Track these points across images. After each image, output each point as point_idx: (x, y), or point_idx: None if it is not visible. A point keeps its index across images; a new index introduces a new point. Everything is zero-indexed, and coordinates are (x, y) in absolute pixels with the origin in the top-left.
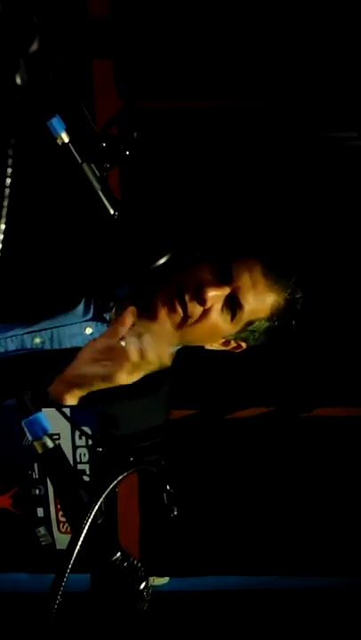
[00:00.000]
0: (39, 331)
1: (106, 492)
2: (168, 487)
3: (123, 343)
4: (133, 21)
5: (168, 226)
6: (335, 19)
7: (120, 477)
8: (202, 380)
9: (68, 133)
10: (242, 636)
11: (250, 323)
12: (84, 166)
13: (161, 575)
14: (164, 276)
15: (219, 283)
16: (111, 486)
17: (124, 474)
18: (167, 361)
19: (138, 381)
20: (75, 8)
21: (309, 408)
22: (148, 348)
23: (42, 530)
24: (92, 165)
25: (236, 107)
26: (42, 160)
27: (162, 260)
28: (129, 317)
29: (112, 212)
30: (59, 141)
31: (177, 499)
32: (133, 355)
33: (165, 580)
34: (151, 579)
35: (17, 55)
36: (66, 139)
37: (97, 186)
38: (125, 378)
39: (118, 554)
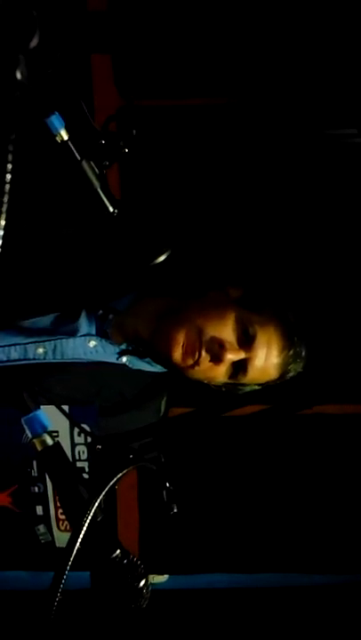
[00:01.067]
0: (43, 341)
1: (105, 490)
2: (167, 484)
3: None
4: (132, 17)
5: (168, 223)
6: (334, 16)
7: (119, 475)
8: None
9: (68, 131)
10: (241, 634)
11: (243, 384)
12: (84, 164)
13: (160, 573)
14: (173, 293)
15: (238, 348)
16: (111, 484)
17: (124, 471)
18: None
19: (133, 395)
20: (73, 3)
21: (309, 405)
22: None
23: (41, 528)
24: (92, 163)
25: (235, 104)
26: (41, 157)
27: (162, 258)
28: None
29: (111, 209)
30: (58, 139)
31: (176, 496)
32: None
33: (165, 577)
34: (150, 576)
35: (17, 50)
36: (65, 136)
37: (96, 183)
38: None
39: (118, 551)
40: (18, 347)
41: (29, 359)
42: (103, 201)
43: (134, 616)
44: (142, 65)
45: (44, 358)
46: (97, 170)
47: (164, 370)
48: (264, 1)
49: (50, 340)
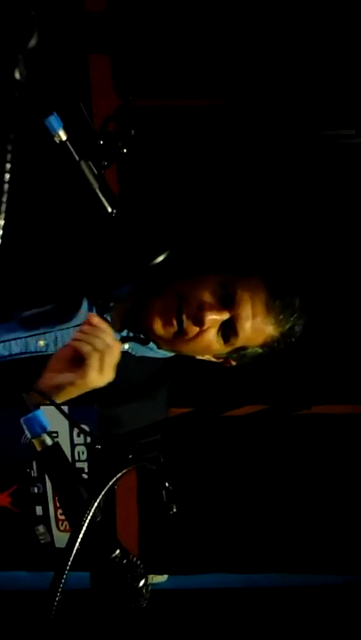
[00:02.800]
0: (43, 333)
1: (105, 490)
2: (167, 484)
3: (72, 344)
4: (131, 18)
5: (166, 223)
6: (333, 18)
7: (119, 475)
8: (199, 378)
9: (66, 131)
10: (240, 634)
11: (243, 348)
12: (82, 164)
13: (160, 573)
14: (165, 278)
15: (219, 307)
16: (110, 484)
17: (123, 471)
18: (117, 346)
19: (138, 383)
20: (72, 4)
21: (307, 406)
22: (96, 342)
23: (41, 528)
24: (90, 163)
25: (233, 104)
26: (39, 158)
27: (160, 258)
28: (87, 323)
29: (110, 209)
30: (56, 139)
31: (176, 496)
32: (85, 351)
33: (164, 577)
34: (150, 576)
35: (15, 50)
36: (63, 136)
37: (95, 183)
38: (95, 377)
39: (117, 551)
40: (19, 340)
41: (31, 352)
42: (101, 201)
43: (134, 616)
44: (141, 65)
45: (46, 350)
46: (95, 170)
47: (168, 355)
48: (262, 3)
49: (50, 332)
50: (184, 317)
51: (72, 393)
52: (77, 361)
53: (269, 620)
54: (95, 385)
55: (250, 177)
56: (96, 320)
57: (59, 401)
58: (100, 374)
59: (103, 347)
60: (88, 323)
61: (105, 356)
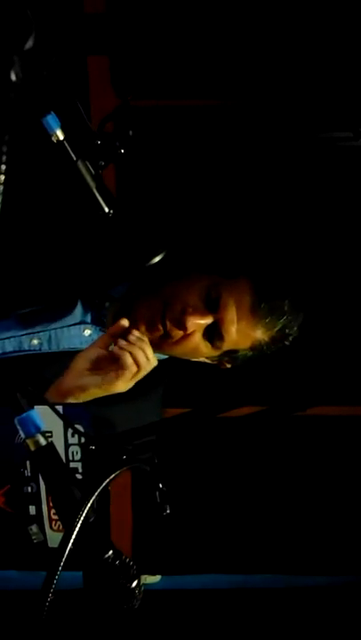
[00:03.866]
0: (37, 332)
1: (98, 490)
2: (161, 485)
3: (114, 351)
4: (129, 18)
5: (163, 224)
6: (332, 19)
7: (113, 475)
8: (195, 379)
9: (64, 131)
10: (234, 635)
11: (233, 351)
12: (79, 164)
13: (153, 573)
14: (153, 280)
15: (203, 311)
16: (104, 484)
17: (117, 472)
18: (155, 363)
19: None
20: (70, 5)
21: (303, 407)
22: (139, 355)
23: (34, 528)
24: (87, 163)
25: (232, 105)
26: (37, 158)
27: (157, 259)
28: (118, 327)
29: (107, 210)
30: (54, 139)
31: (170, 497)
32: (127, 362)
33: (157, 578)
34: (143, 577)
35: (12, 52)
36: (61, 136)
37: (92, 184)
38: (122, 385)
39: (110, 552)
40: (12, 339)
41: (24, 351)
42: (99, 201)
43: (127, 616)
44: (139, 65)
45: (40, 349)
46: (93, 170)
47: (162, 357)
48: (261, 4)
49: (44, 331)
50: (167, 322)
51: (95, 394)
52: (107, 364)
53: (263, 620)
54: (117, 391)
55: (246, 178)
56: (138, 332)
57: (80, 401)
58: (127, 383)
59: (144, 362)
60: (120, 329)
61: (142, 371)
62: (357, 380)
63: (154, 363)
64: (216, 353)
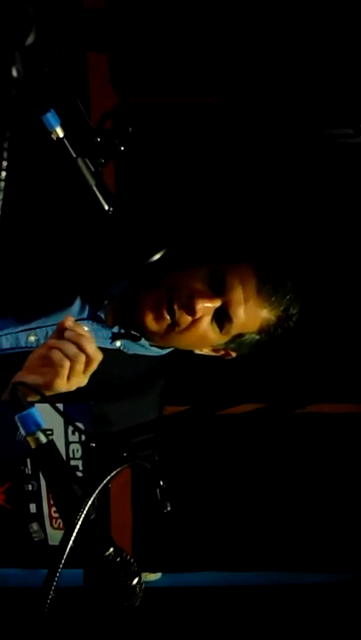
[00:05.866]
0: (34, 328)
1: (99, 488)
2: (161, 483)
3: (44, 348)
4: (129, 15)
5: (163, 221)
6: (331, 17)
7: (113, 473)
8: (195, 376)
9: (63, 128)
10: (234, 632)
11: (240, 335)
12: (79, 161)
13: (153, 571)
14: (156, 274)
15: (210, 294)
16: (104, 482)
17: (118, 469)
18: (100, 357)
19: (131, 381)
20: (70, 1)
21: (303, 405)
22: (68, 349)
23: (34, 525)
24: (87, 160)
25: (232, 103)
26: (36, 155)
27: (157, 256)
28: (61, 324)
29: (107, 207)
30: (53, 136)
31: (170, 494)
32: (55, 358)
33: (157, 575)
34: (143, 574)
35: (13, 48)
36: (60, 133)
37: (91, 181)
38: (63, 385)
39: (111, 549)
40: (9, 336)
41: (21, 347)
42: (98, 198)
43: (127, 614)
44: (139, 62)
45: (37, 346)
46: (92, 167)
47: (162, 353)
48: (261, 1)
49: (41, 327)
50: (175, 308)
51: (50, 391)
52: (48, 361)
53: (263, 618)
54: (61, 390)
55: (245, 173)
56: (70, 324)
57: (31, 399)
58: (68, 382)
59: (74, 354)
60: (63, 326)
61: (76, 364)
62: (358, 378)
63: (94, 356)
64: (224, 339)
